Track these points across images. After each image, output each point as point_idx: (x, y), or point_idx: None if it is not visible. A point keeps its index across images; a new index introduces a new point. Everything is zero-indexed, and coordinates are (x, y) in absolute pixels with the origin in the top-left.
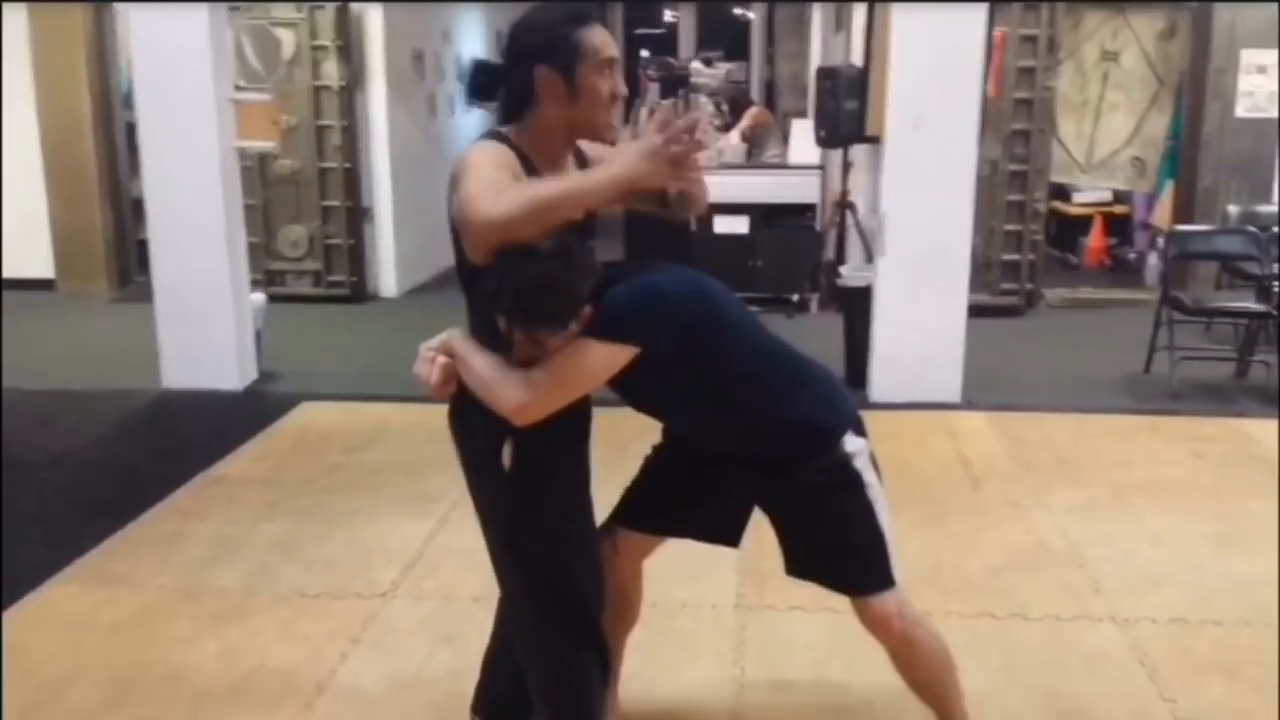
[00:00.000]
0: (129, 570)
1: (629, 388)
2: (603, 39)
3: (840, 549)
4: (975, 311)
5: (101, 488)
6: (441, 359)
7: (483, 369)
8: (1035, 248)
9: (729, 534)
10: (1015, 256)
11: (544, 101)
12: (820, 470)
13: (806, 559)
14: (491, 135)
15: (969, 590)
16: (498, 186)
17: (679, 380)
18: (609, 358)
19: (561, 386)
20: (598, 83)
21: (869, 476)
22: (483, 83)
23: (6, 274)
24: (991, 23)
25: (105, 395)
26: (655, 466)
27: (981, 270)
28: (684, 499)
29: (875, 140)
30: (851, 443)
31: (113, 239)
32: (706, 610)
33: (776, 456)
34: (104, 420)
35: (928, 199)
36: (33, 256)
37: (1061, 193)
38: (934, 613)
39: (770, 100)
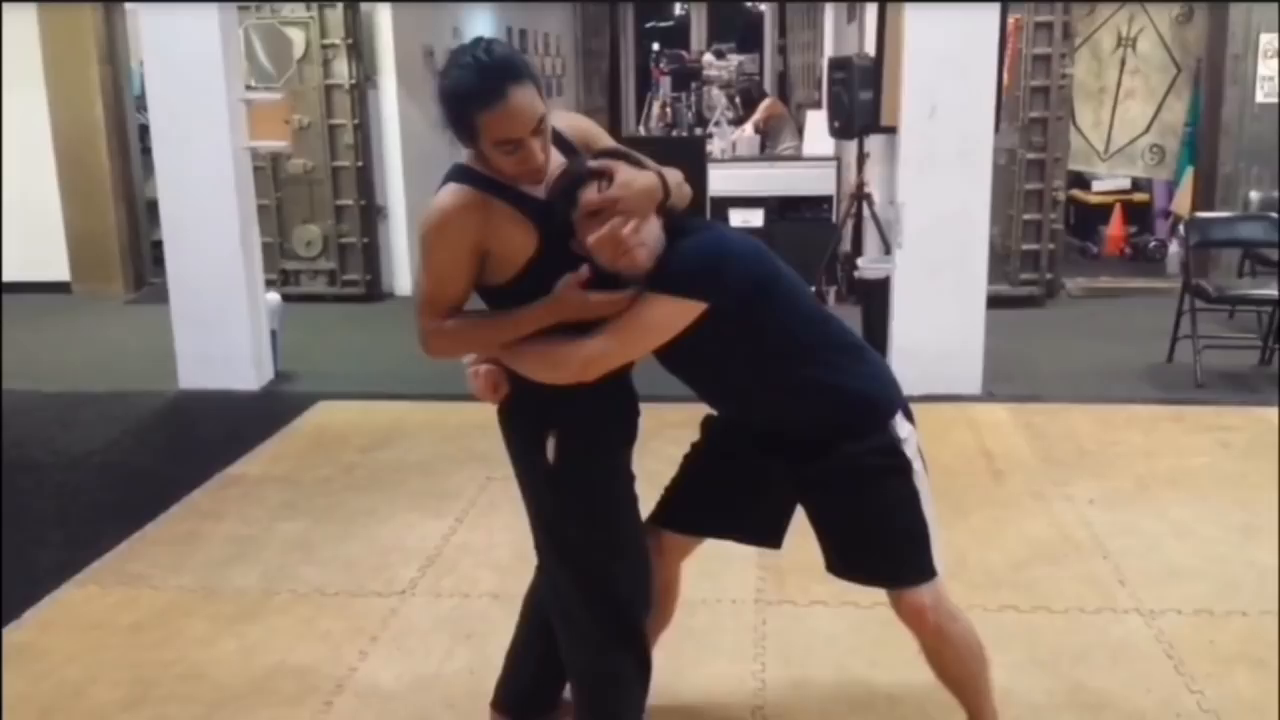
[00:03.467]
0: (148, 570)
1: (686, 352)
2: (504, 122)
3: (882, 536)
4: (995, 302)
5: (119, 489)
6: (483, 368)
7: (536, 345)
8: (1054, 237)
9: (771, 534)
10: (1035, 246)
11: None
12: (870, 452)
13: (847, 548)
14: (458, 173)
15: (993, 583)
16: (440, 303)
17: (738, 342)
18: (676, 313)
19: (631, 340)
20: (501, 160)
21: (917, 465)
22: None
23: (22, 277)
24: (1006, 9)
25: (122, 397)
26: (694, 465)
27: (1000, 260)
28: (725, 498)
29: (891, 130)
30: (903, 427)
31: (127, 241)
32: (726, 605)
33: (826, 431)
34: (121, 422)
35: (945, 188)
36: (48, 259)
37: (1080, 181)
38: (959, 606)
39: (783, 92)
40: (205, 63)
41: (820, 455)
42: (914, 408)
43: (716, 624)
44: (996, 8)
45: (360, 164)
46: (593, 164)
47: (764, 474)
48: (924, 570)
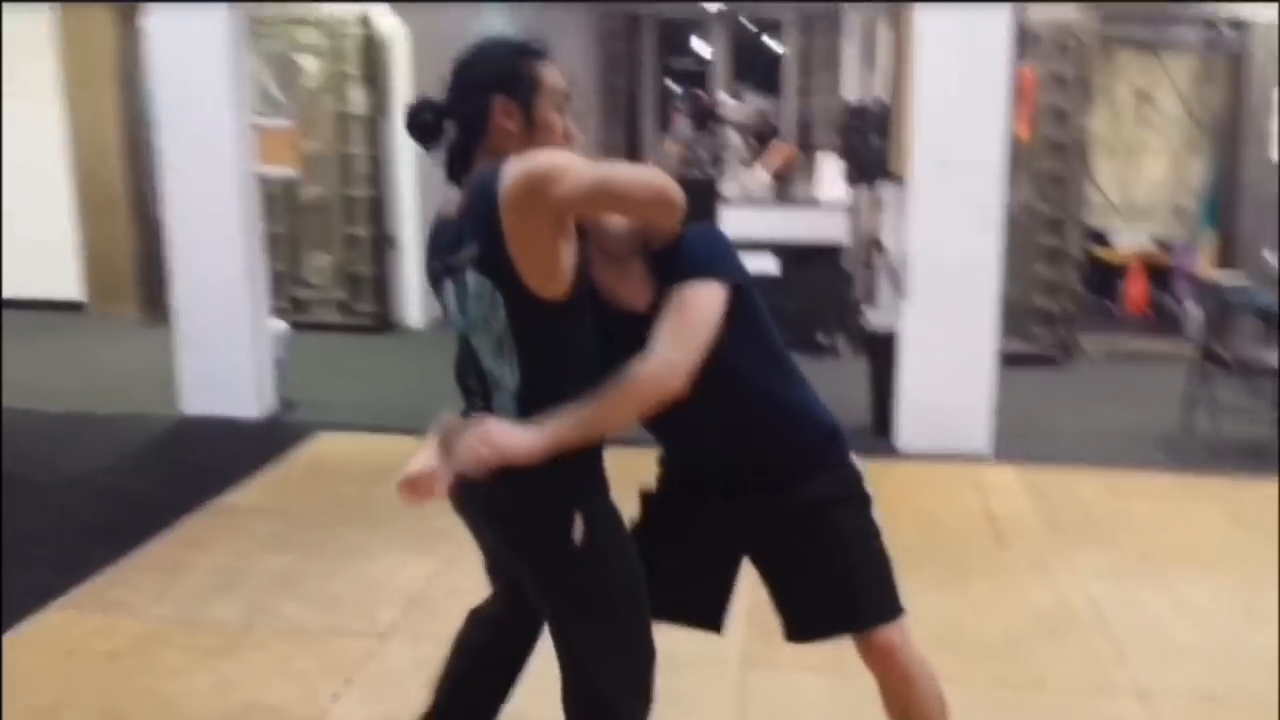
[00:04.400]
0: (129, 598)
1: None
2: (559, 74)
3: (855, 569)
4: (1009, 360)
5: (112, 513)
6: (487, 452)
7: (601, 402)
8: (1073, 295)
9: (714, 617)
10: (1051, 303)
11: (498, 134)
12: (838, 482)
13: (817, 591)
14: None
15: (986, 655)
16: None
17: (729, 335)
18: (716, 296)
19: (697, 336)
20: (554, 118)
21: (874, 499)
22: (426, 120)
23: (36, 295)
24: (1018, 60)
25: (124, 419)
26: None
27: (1016, 317)
28: (668, 580)
29: (899, 179)
30: (858, 463)
31: (141, 263)
32: (710, 667)
33: (797, 456)
34: (121, 445)
35: (954, 241)
36: (64, 279)
37: (1102, 238)
38: (947, 678)
39: (803, 135)
40: (214, 87)
41: (789, 487)
42: (919, 466)
43: (698, 684)
44: (1007, 55)
45: (373, 194)
46: None
47: (710, 549)
48: (894, 606)
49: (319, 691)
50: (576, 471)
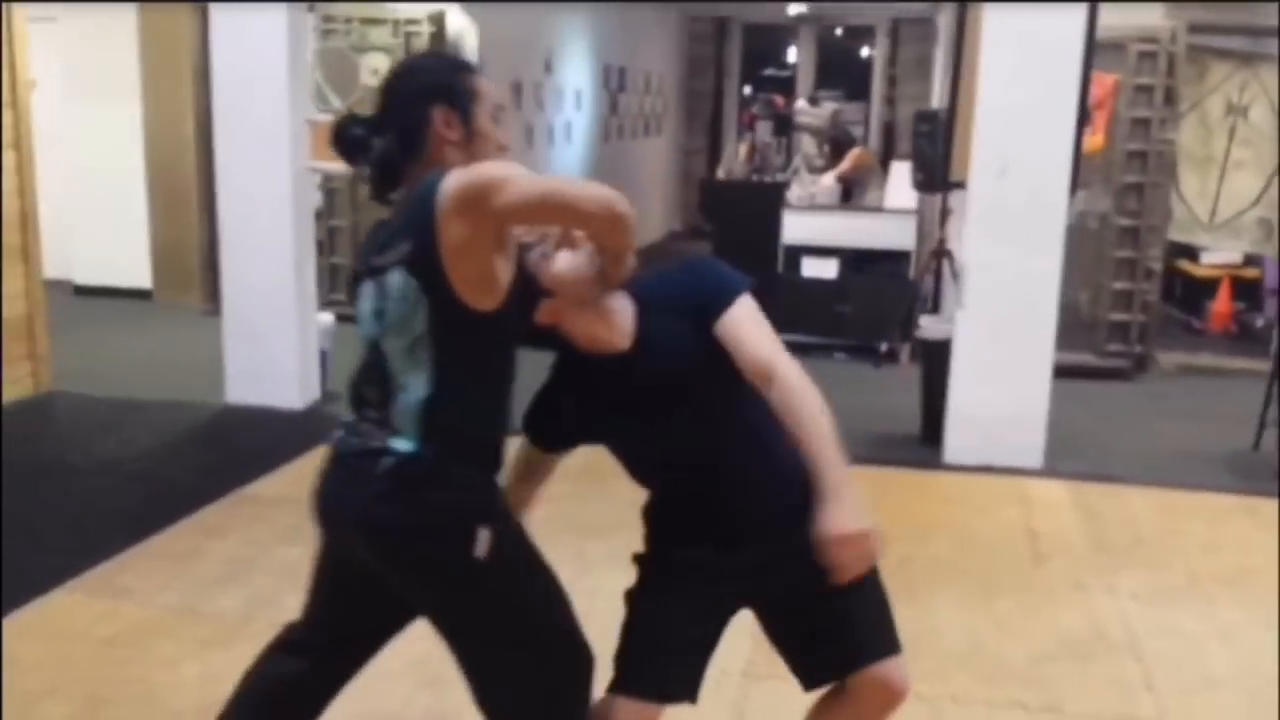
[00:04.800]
0: (136, 584)
1: (699, 391)
2: (493, 86)
3: (869, 606)
4: (1077, 373)
5: (138, 498)
6: (864, 546)
7: (805, 432)
8: (1148, 308)
9: (693, 687)
10: (1125, 316)
11: (437, 144)
12: None
13: (816, 637)
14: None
15: (1005, 677)
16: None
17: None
18: (749, 305)
19: (771, 344)
20: (491, 127)
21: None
22: (356, 135)
23: (107, 282)
24: (1089, 66)
25: (168, 407)
26: (642, 614)
27: (1087, 329)
28: (661, 650)
29: (960, 186)
30: None
31: (208, 254)
32: (711, 676)
33: (790, 501)
34: (161, 432)
35: (1014, 248)
36: (135, 268)
37: (1189, 252)
38: (961, 698)
39: (888, 142)
40: (272, 85)
41: (791, 528)
42: (964, 478)
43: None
44: (1078, 60)
45: None
46: None
47: (709, 615)
48: (896, 642)
49: None
50: (474, 487)
